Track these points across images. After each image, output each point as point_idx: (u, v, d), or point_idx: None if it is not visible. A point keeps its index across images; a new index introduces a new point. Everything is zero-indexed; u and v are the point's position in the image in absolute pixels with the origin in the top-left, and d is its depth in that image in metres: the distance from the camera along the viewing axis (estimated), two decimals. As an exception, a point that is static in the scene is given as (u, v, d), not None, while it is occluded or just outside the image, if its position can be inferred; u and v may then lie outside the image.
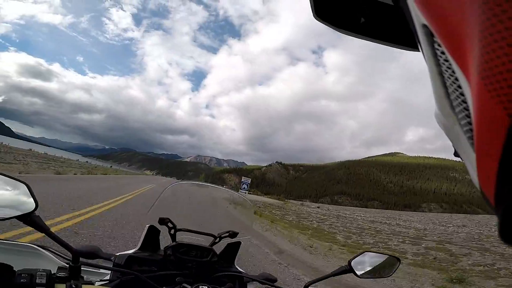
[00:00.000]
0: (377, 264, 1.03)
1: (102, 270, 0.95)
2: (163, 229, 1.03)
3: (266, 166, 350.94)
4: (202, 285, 0.82)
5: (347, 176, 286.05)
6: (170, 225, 1.00)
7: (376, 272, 1.03)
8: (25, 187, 0.68)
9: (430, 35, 0.19)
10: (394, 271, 1.06)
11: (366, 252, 1.05)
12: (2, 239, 0.91)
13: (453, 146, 0.21)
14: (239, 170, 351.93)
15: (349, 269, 0.99)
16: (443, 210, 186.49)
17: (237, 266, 1.14)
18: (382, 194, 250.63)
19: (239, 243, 1.12)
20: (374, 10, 0.34)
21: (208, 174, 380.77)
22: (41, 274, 0.64)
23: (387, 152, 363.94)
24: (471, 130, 0.16)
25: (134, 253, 1.00)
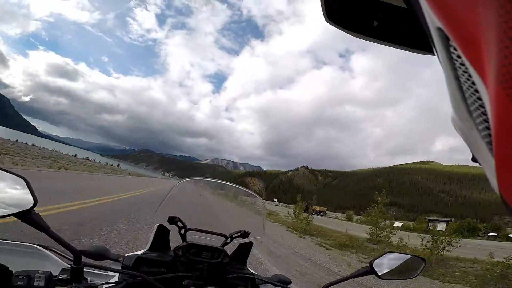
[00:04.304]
0: (399, 264, 0.98)
1: (109, 272, 0.90)
2: (173, 229, 0.98)
3: (292, 171, 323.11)
4: None
5: (389, 184, 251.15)
6: (180, 224, 0.96)
7: (399, 273, 0.98)
8: (24, 182, 0.64)
9: (445, 39, 0.18)
10: (420, 272, 1.01)
11: (388, 253, 1.00)
12: (3, 239, 0.86)
13: (471, 151, 0.20)
14: (263, 174, 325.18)
15: (370, 270, 0.94)
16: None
17: (249, 268, 1.10)
18: (437, 205, 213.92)
19: (251, 243, 1.08)
20: (387, 14, 0.33)
21: (228, 178, 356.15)
22: (40, 276, 0.60)
23: (418, 161, 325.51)
24: (489, 135, 0.16)
25: (143, 253, 0.95)
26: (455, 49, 0.17)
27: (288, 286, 1.00)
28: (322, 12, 0.35)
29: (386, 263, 0.98)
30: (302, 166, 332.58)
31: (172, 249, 0.99)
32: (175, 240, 0.99)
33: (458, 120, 0.20)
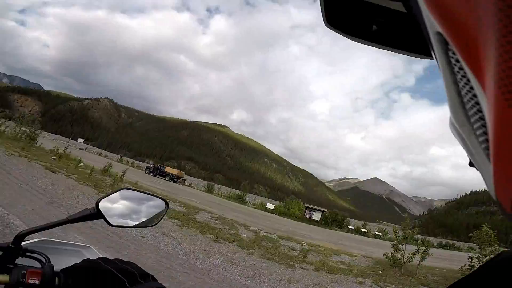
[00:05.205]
0: (138, 207, 0.78)
1: None
2: None
3: (90, 100, 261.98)
4: None
5: (192, 139, 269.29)
6: None
7: (136, 219, 0.77)
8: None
9: (444, 43, 0.18)
10: (161, 218, 0.80)
11: (124, 189, 0.77)
12: None
13: (468, 156, 0.20)
14: (43, 95, 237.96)
15: (96, 213, 0.65)
16: (267, 194, 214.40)
17: None
18: (223, 167, 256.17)
19: None
20: (386, 18, 0.33)
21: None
22: None
23: (217, 123, 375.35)
24: (487, 140, 0.16)
25: None
26: (454, 53, 0.17)
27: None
28: (322, 17, 0.35)
29: (120, 204, 0.75)
30: (105, 97, 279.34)
31: None
32: None
33: (456, 124, 0.20)
